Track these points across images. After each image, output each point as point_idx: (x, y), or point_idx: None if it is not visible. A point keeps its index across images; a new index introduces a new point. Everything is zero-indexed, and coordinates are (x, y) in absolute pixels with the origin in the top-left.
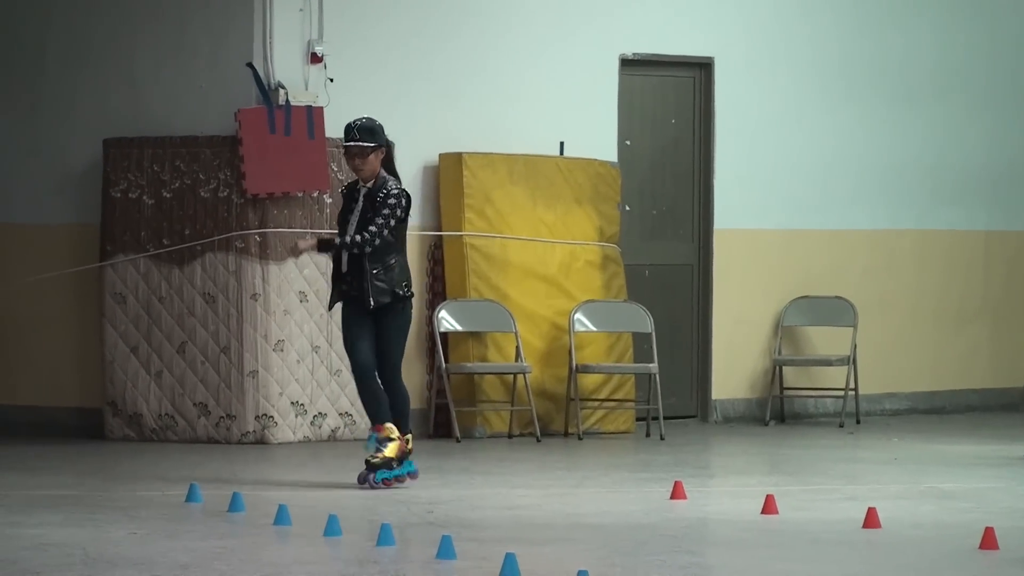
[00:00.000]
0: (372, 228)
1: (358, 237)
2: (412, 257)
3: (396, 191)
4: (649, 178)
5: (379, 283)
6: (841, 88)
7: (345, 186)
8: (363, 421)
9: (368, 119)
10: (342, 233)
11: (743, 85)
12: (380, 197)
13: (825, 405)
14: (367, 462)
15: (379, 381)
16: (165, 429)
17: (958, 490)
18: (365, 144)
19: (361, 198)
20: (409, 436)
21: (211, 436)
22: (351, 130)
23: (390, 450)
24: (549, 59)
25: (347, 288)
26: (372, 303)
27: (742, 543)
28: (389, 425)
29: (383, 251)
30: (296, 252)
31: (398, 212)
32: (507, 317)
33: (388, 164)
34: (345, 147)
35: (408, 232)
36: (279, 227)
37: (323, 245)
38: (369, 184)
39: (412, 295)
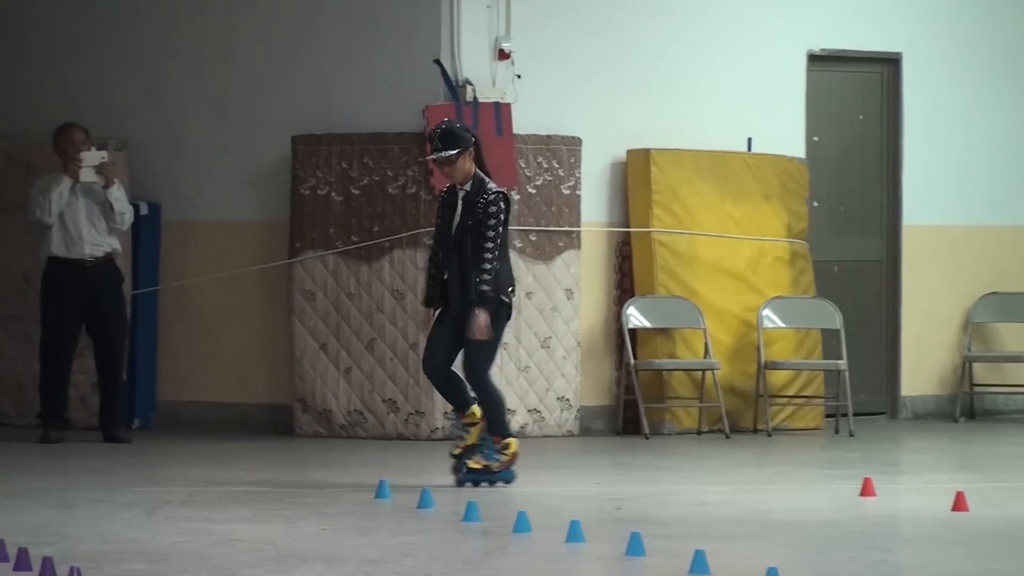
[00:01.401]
0: (487, 251)
1: (485, 276)
2: (601, 253)
3: (493, 196)
4: (837, 174)
5: (486, 290)
6: None
7: (444, 190)
8: (552, 418)
9: (447, 123)
10: (443, 237)
11: (931, 80)
12: (480, 204)
13: (1016, 402)
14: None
15: (453, 373)
16: (354, 425)
17: None
18: (449, 153)
19: (460, 201)
20: (510, 440)
21: (400, 432)
22: (432, 139)
23: (472, 436)
24: (737, 55)
25: (451, 297)
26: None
27: (932, 540)
28: (472, 410)
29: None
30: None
31: (501, 217)
32: (696, 313)
33: (479, 162)
34: (431, 160)
35: (597, 229)
36: None
37: (485, 302)
38: (467, 187)
39: (512, 301)
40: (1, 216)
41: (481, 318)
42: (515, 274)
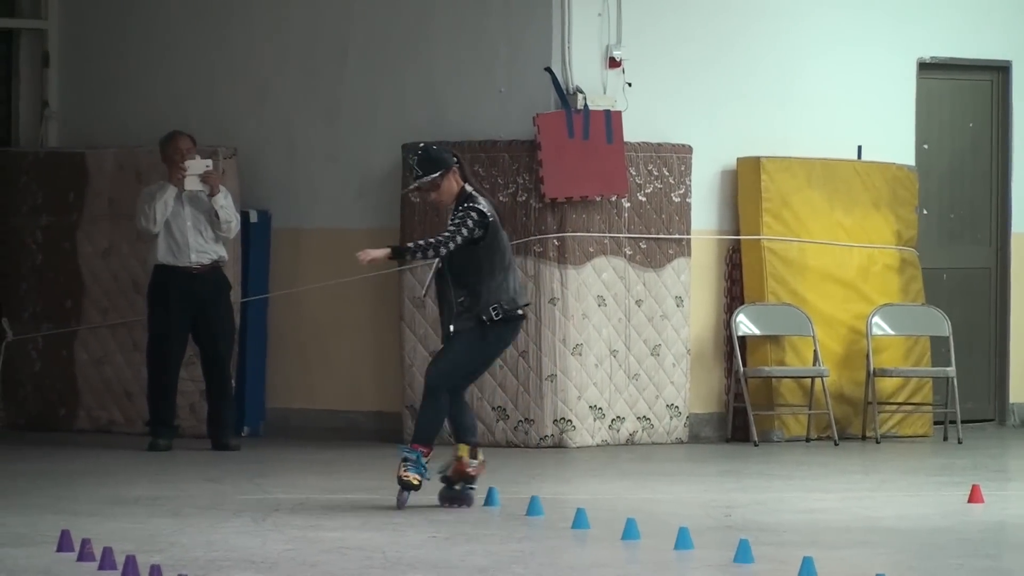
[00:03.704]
0: (438, 236)
1: (421, 241)
2: (711, 261)
3: (466, 206)
4: (947, 182)
5: (463, 311)
6: None
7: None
8: (661, 425)
9: (423, 148)
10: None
11: None
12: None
13: None
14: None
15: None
16: None
17: None
18: (432, 176)
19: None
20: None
21: (510, 440)
22: (412, 168)
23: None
24: (847, 63)
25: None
26: (452, 328)
27: None
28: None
29: (466, 276)
30: (366, 262)
31: (469, 223)
32: (805, 321)
33: (466, 179)
34: (415, 190)
35: (707, 236)
36: (577, 231)
37: (395, 252)
38: (452, 206)
39: (501, 318)
40: (112, 223)
41: (372, 254)
42: (625, 281)
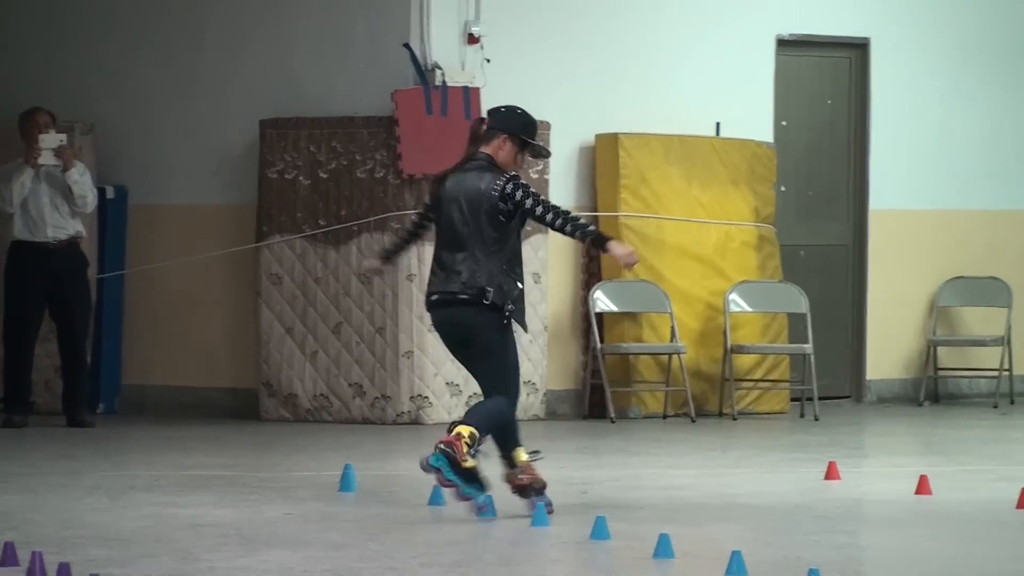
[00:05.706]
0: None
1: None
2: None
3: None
4: (805, 159)
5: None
6: (997, 67)
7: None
8: (518, 402)
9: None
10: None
11: (899, 65)
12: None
13: (979, 385)
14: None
15: None
16: (320, 410)
17: None
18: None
19: None
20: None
21: (366, 417)
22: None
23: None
24: (706, 40)
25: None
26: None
27: (896, 523)
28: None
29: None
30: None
31: None
32: (662, 298)
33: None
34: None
35: None
36: None
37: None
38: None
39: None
40: None
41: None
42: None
